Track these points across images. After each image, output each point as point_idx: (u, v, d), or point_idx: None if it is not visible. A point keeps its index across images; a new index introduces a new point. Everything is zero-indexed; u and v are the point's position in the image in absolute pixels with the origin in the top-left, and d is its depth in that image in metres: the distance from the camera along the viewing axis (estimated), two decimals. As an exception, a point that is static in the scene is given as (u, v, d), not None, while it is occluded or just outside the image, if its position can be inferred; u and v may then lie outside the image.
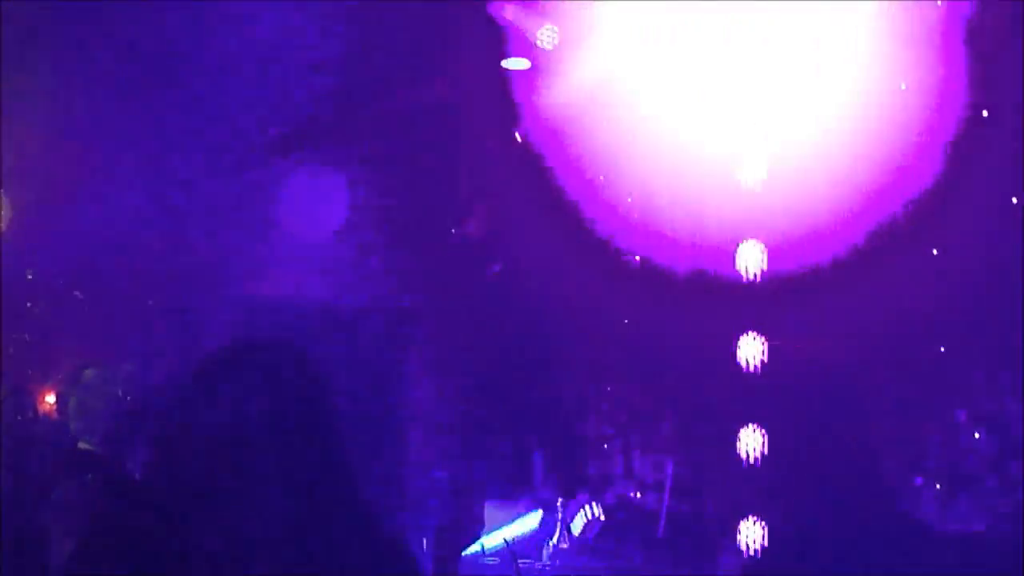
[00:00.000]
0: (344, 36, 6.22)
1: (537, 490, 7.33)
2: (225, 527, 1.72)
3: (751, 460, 4.89)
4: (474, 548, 5.74)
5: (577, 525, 5.53)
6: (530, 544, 5.34)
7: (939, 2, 5.13)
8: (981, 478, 5.64)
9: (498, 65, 6.20)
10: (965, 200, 5.15)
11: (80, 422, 3.24)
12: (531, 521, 5.70)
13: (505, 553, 4.89)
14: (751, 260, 5.23)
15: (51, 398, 5.65)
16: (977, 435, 5.70)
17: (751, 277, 5.23)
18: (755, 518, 4.81)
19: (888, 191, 5.20)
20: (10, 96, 6.03)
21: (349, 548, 1.76)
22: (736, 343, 5.13)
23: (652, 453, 6.55)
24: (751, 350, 5.10)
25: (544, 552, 5.46)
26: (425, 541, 5.94)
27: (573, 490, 5.72)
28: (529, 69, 6.08)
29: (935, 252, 5.48)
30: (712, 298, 5.41)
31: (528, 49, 6.01)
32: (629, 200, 5.90)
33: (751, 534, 4.85)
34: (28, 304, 7.70)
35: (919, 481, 5.75)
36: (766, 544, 4.49)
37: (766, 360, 5.07)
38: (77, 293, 7.57)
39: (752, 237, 5.26)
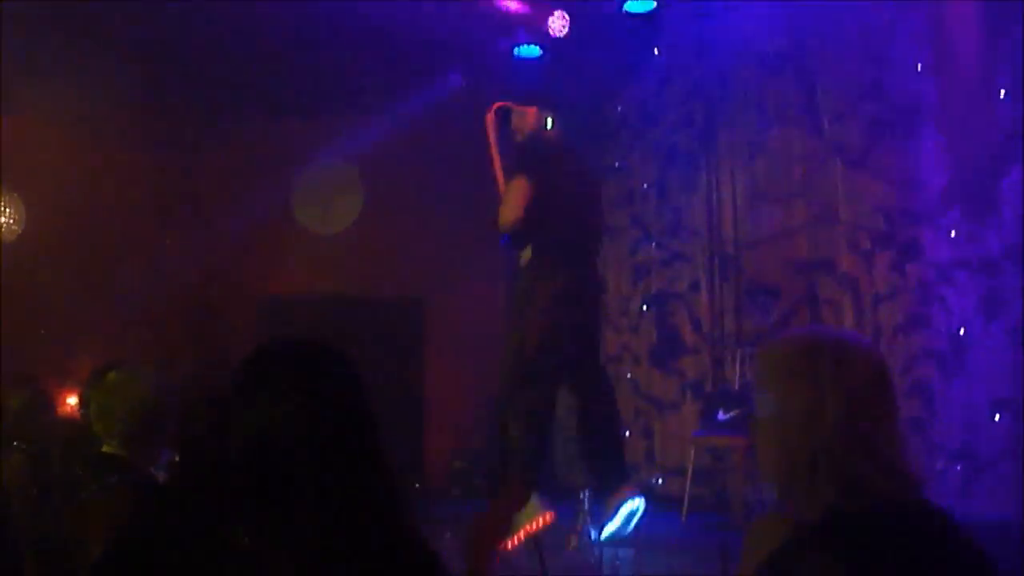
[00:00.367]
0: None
1: (561, 479, 7.32)
2: (255, 531, 1.69)
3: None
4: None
5: (601, 514, 5.49)
6: (554, 534, 5.31)
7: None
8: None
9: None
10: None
11: (103, 424, 3.23)
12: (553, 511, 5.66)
13: (529, 542, 4.85)
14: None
15: (73, 399, 5.66)
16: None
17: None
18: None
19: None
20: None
21: (382, 553, 1.73)
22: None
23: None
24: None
25: (570, 542, 5.43)
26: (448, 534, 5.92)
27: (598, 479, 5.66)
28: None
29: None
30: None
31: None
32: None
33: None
34: (44, 305, 7.73)
35: (940, 465, 5.71)
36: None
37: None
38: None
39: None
